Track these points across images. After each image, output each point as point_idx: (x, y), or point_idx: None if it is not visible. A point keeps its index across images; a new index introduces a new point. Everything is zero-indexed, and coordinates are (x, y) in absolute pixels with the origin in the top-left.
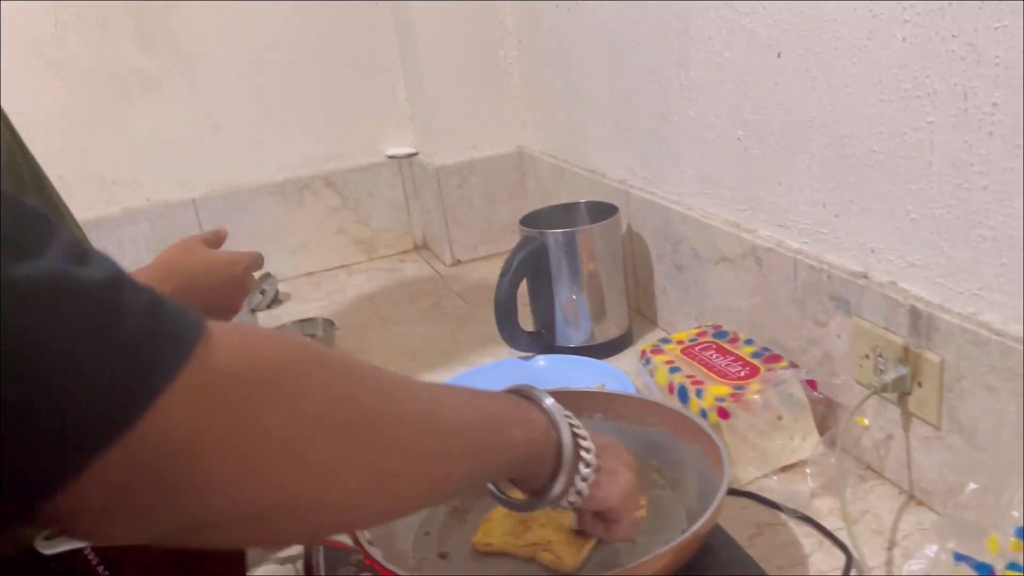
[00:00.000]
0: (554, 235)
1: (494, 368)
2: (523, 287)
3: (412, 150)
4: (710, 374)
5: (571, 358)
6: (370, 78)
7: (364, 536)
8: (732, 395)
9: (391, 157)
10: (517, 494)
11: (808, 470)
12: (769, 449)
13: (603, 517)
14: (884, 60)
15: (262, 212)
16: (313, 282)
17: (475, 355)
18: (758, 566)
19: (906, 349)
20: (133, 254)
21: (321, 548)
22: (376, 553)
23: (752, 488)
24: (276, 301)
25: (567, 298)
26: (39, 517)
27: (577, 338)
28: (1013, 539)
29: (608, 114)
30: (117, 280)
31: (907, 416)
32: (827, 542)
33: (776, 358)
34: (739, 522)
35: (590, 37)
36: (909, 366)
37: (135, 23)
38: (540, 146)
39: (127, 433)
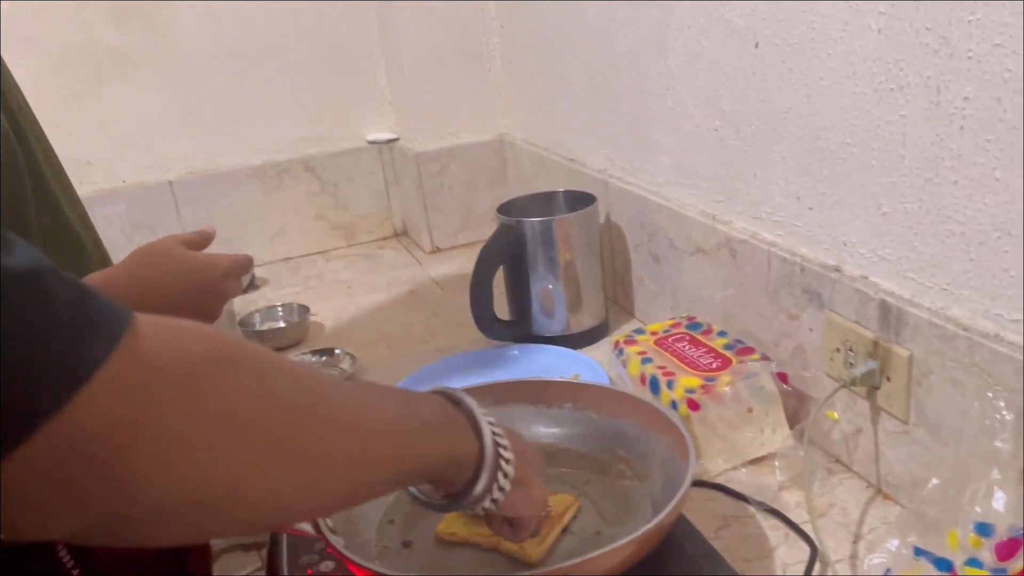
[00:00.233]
0: (531, 224)
1: (467, 358)
2: (500, 276)
3: (392, 135)
4: (682, 365)
5: (545, 347)
6: (351, 61)
7: (326, 524)
8: (703, 387)
9: (371, 142)
10: (433, 494)
11: (777, 463)
12: (739, 441)
13: (511, 523)
14: (859, 51)
15: (240, 196)
16: (291, 267)
17: (450, 343)
18: (722, 558)
19: (876, 343)
20: (109, 236)
21: (284, 536)
22: (338, 542)
23: (721, 480)
24: (252, 286)
25: (543, 287)
26: None
27: (553, 328)
28: (973, 535)
29: (588, 102)
30: (38, 270)
31: (876, 410)
32: (793, 535)
33: (748, 350)
34: (706, 514)
35: (572, 24)
36: (879, 360)
37: None
38: (521, 134)
39: (47, 425)
